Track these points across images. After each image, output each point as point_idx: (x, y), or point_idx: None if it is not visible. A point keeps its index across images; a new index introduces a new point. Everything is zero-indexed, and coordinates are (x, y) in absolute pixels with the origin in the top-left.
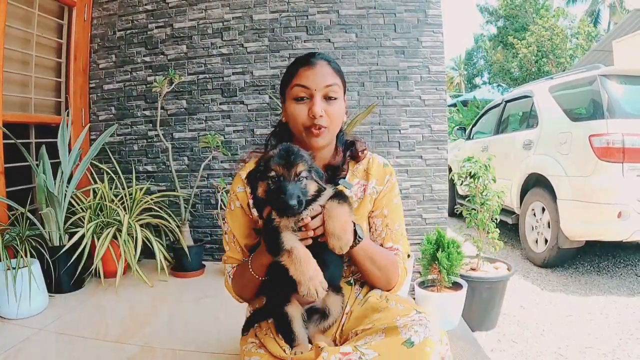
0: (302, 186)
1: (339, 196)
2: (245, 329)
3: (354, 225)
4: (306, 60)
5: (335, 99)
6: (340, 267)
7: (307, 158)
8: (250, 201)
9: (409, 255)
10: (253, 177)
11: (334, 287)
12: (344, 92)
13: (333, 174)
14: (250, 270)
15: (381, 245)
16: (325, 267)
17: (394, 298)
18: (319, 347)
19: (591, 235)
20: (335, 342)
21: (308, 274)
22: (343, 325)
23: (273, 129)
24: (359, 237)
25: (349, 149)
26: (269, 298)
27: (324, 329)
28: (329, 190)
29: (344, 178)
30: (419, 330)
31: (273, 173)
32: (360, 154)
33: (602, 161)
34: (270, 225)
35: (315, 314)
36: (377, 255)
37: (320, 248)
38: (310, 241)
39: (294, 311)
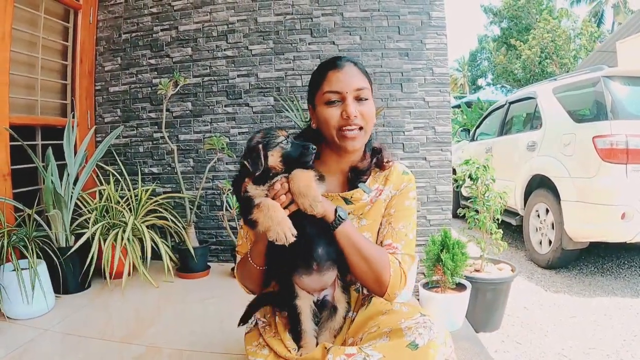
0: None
1: (305, 167)
2: (244, 319)
3: (336, 207)
4: (334, 64)
5: (367, 99)
6: (332, 243)
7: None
8: None
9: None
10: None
11: (331, 261)
12: (372, 93)
13: (356, 175)
14: (250, 260)
15: (381, 242)
16: (314, 243)
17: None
18: (325, 347)
19: (595, 236)
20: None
21: (276, 219)
22: (349, 329)
23: (302, 130)
24: (339, 216)
25: (375, 155)
26: (279, 291)
27: (334, 332)
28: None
29: (365, 182)
30: (423, 333)
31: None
32: (385, 164)
33: (606, 162)
34: (245, 195)
35: (325, 309)
36: (364, 244)
37: (303, 224)
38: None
39: (304, 304)
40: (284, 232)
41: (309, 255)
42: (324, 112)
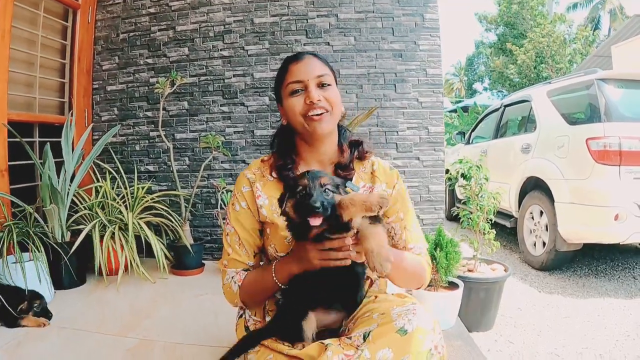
0: (328, 197)
1: (372, 217)
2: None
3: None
4: (294, 57)
5: (329, 84)
6: (362, 288)
7: (331, 176)
8: (258, 200)
9: None
10: (282, 198)
11: (360, 303)
12: (336, 82)
13: (343, 172)
14: (274, 278)
15: (404, 247)
16: (355, 289)
17: (391, 294)
18: (324, 344)
19: (589, 238)
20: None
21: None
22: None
23: (275, 131)
24: None
25: (355, 147)
26: (284, 311)
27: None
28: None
29: (351, 180)
30: (412, 319)
31: (300, 187)
32: (366, 154)
33: (599, 164)
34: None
35: (326, 332)
36: (403, 262)
37: (346, 271)
38: (349, 262)
39: (308, 327)
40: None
41: (347, 295)
42: (289, 102)
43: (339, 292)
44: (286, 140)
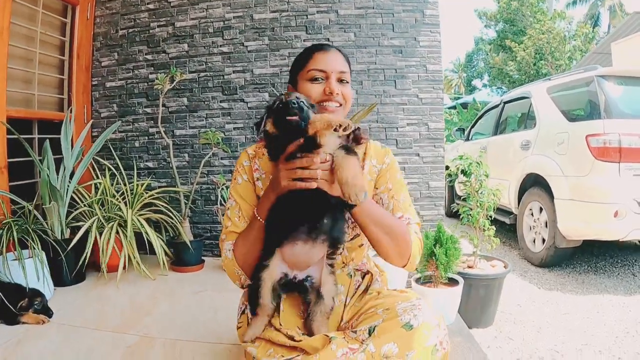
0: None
1: (347, 148)
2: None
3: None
4: (321, 47)
5: (347, 82)
6: (342, 220)
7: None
8: (255, 174)
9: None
10: (260, 121)
11: (336, 241)
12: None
13: None
14: (256, 215)
15: None
16: (323, 211)
17: (393, 290)
18: (327, 336)
19: (588, 234)
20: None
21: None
22: (343, 317)
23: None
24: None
25: (352, 132)
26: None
27: (327, 314)
28: (335, 138)
29: None
30: (418, 314)
31: (278, 101)
32: (362, 138)
33: (599, 161)
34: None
35: (309, 293)
36: (383, 217)
37: (321, 199)
38: (315, 185)
39: (267, 277)
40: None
41: (315, 221)
42: (307, 87)
43: (312, 220)
44: None
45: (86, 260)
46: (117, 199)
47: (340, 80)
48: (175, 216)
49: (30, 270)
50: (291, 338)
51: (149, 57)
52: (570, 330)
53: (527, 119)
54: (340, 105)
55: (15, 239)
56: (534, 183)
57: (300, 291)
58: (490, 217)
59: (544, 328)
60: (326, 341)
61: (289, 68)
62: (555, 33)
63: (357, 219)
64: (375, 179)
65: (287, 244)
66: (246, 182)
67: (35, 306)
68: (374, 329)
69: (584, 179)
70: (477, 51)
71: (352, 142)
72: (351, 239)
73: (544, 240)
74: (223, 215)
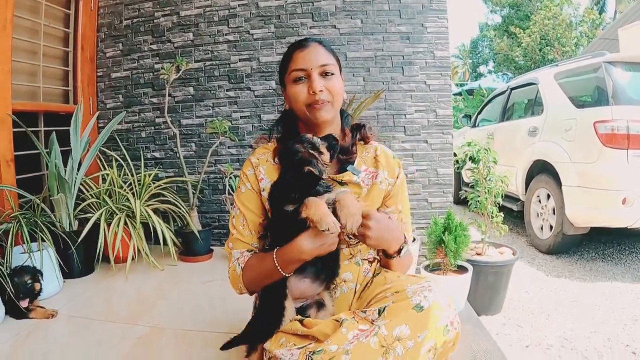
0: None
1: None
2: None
3: (401, 245)
4: (299, 45)
5: (333, 74)
6: (337, 261)
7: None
8: (261, 183)
9: (414, 239)
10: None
11: (335, 275)
12: (340, 71)
13: (343, 155)
14: (278, 268)
15: None
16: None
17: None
18: (338, 320)
19: (596, 221)
20: None
21: (325, 212)
22: (352, 304)
23: (280, 114)
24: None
25: (357, 131)
26: (267, 294)
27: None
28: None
29: (352, 164)
30: (428, 296)
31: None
32: (369, 136)
33: (607, 147)
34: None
35: (310, 308)
36: (405, 260)
37: None
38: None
39: (289, 305)
40: (333, 221)
41: (330, 263)
42: (292, 90)
43: (329, 271)
44: (289, 125)
45: (100, 253)
46: (125, 189)
47: (325, 74)
48: (183, 206)
49: (39, 263)
50: (301, 322)
51: (153, 47)
52: (578, 318)
53: (534, 105)
54: (329, 101)
55: (25, 232)
56: (541, 170)
57: (303, 311)
58: (498, 204)
59: (553, 315)
60: (336, 326)
61: None
62: (561, 19)
63: (388, 265)
64: (386, 194)
65: (292, 283)
66: (250, 190)
67: (28, 286)
68: (384, 309)
69: (592, 166)
70: (482, 37)
71: (359, 141)
72: (358, 242)
73: (551, 227)
74: (231, 204)
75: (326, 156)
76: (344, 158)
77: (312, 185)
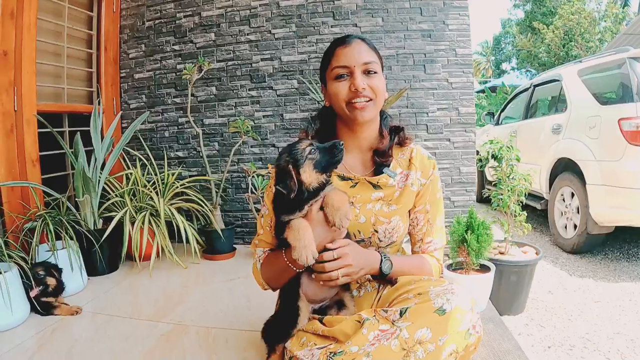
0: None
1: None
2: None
3: (380, 262)
4: (342, 41)
5: (375, 72)
6: None
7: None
8: None
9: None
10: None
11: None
12: (382, 69)
13: (380, 158)
14: (286, 261)
15: (421, 239)
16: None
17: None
18: (359, 320)
19: (621, 220)
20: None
21: (303, 241)
22: (374, 303)
23: (315, 112)
24: (383, 273)
25: (396, 133)
26: (284, 296)
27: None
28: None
29: (388, 166)
30: (451, 299)
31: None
32: (406, 140)
33: (632, 145)
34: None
35: (330, 309)
36: (410, 270)
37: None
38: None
39: (304, 306)
40: (307, 254)
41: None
42: (334, 86)
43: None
44: (327, 122)
45: (124, 251)
46: (149, 188)
47: (368, 72)
48: (206, 205)
49: (64, 261)
50: (321, 321)
51: (176, 47)
52: (601, 318)
53: (557, 103)
54: (371, 99)
55: (51, 231)
56: (565, 168)
57: (323, 312)
58: (522, 202)
59: (575, 316)
60: (357, 325)
61: (317, 55)
62: (585, 14)
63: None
64: (416, 193)
65: (307, 280)
66: None
67: (40, 277)
68: (405, 311)
69: (617, 164)
70: (505, 34)
71: (396, 144)
72: (387, 245)
73: (575, 227)
74: (254, 203)
75: (307, 174)
76: (380, 160)
77: (289, 202)
